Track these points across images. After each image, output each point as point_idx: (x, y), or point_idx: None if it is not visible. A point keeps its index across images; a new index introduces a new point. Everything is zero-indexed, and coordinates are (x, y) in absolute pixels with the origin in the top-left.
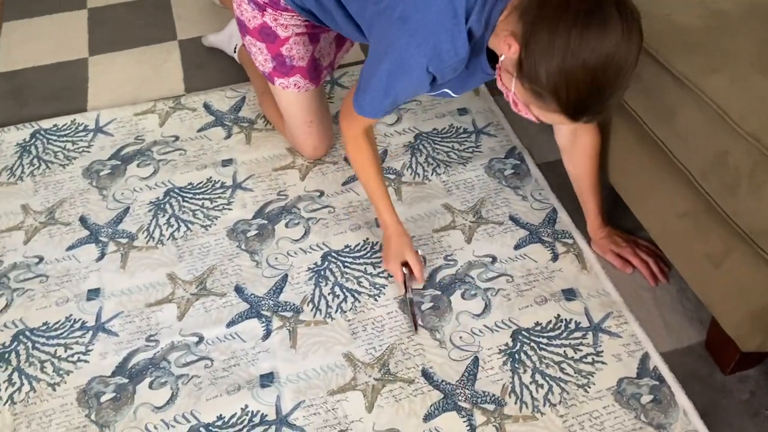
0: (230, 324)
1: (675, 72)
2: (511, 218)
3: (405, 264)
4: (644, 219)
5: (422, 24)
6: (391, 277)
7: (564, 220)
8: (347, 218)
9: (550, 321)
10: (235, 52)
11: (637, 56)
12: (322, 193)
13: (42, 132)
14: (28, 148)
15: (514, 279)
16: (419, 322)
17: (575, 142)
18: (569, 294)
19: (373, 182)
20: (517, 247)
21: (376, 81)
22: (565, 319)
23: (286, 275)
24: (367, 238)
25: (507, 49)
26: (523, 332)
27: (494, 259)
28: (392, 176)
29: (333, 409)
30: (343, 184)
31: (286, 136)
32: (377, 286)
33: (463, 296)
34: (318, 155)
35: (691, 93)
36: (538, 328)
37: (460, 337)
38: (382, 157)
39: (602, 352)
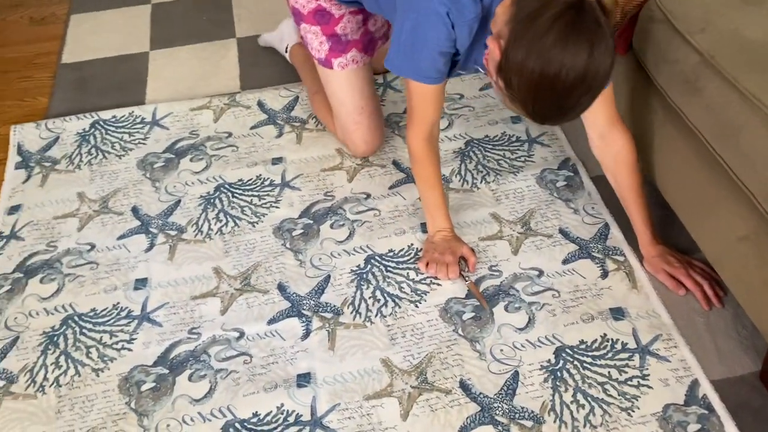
0: (271, 321)
1: (741, 88)
2: (561, 231)
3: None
4: (701, 240)
5: None
6: (434, 283)
7: (616, 236)
8: (392, 222)
9: (596, 340)
10: (286, 52)
11: (608, 75)
12: (368, 196)
13: (101, 122)
14: (87, 137)
15: (561, 294)
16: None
17: (606, 151)
18: (617, 313)
19: (431, 191)
20: (565, 261)
21: (405, 37)
22: (612, 339)
23: (329, 276)
24: (412, 244)
25: (493, 47)
26: (567, 350)
27: (541, 273)
28: None
29: (368, 415)
30: (390, 187)
31: (336, 134)
32: (419, 292)
33: (506, 309)
34: (369, 151)
35: (758, 111)
36: (583, 346)
37: (501, 350)
38: None
39: (649, 375)
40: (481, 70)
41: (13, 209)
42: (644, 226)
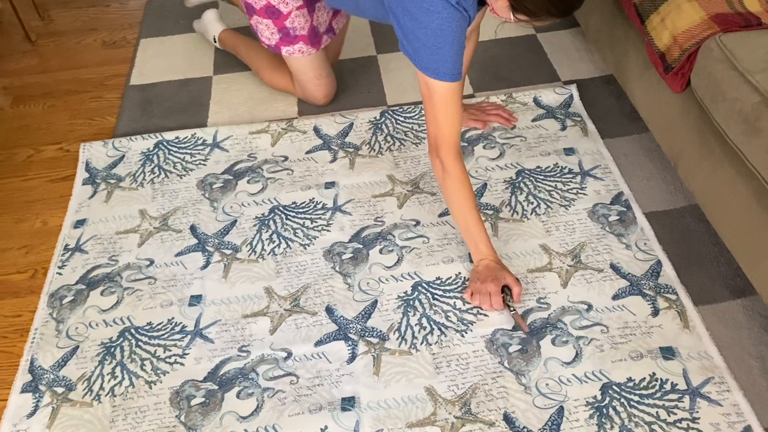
0: (318, 343)
1: None
2: (612, 266)
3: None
4: (756, 281)
5: None
6: (480, 313)
7: (669, 274)
8: (441, 250)
9: (644, 378)
10: (215, 42)
11: None
12: (417, 223)
13: (165, 143)
14: (151, 157)
15: (610, 330)
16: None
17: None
18: (668, 353)
19: (470, 217)
20: (615, 297)
21: (430, 41)
22: (661, 379)
23: (376, 301)
24: (459, 273)
25: None
26: (614, 387)
27: (590, 307)
28: (489, 211)
29: None
30: (440, 215)
31: (296, 92)
32: (465, 322)
33: (553, 342)
34: (329, 100)
35: None
36: (631, 384)
37: (547, 384)
38: (480, 191)
39: (699, 419)
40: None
41: (79, 223)
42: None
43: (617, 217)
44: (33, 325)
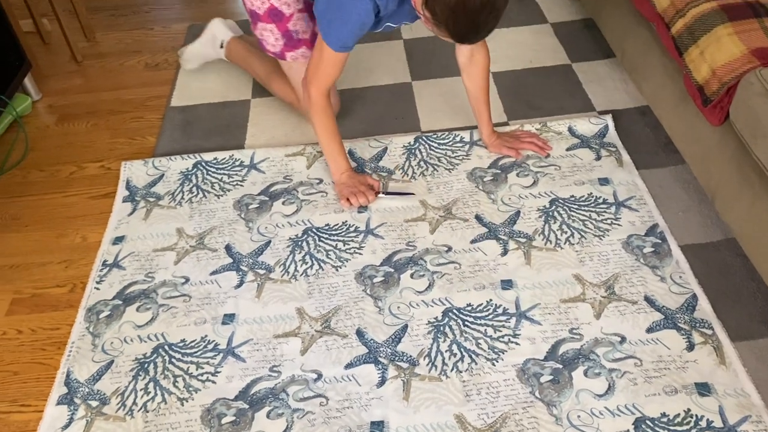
0: (348, 366)
1: None
2: (647, 299)
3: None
4: None
5: None
6: (513, 342)
7: (704, 308)
8: (472, 276)
9: (679, 414)
10: (221, 48)
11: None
12: (449, 249)
13: (203, 163)
14: (189, 176)
15: (643, 363)
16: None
17: (472, 60)
18: (703, 389)
19: (334, 141)
20: (649, 330)
21: (331, 13)
22: (696, 415)
23: (406, 326)
24: (491, 300)
25: None
26: (647, 421)
27: (623, 339)
28: (522, 239)
29: None
30: (472, 242)
31: (299, 107)
32: (496, 350)
33: (585, 373)
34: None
35: None
36: (665, 419)
37: (578, 416)
38: (513, 219)
39: None
40: (393, 26)
41: (118, 240)
42: (488, 120)
43: (652, 249)
44: (70, 338)
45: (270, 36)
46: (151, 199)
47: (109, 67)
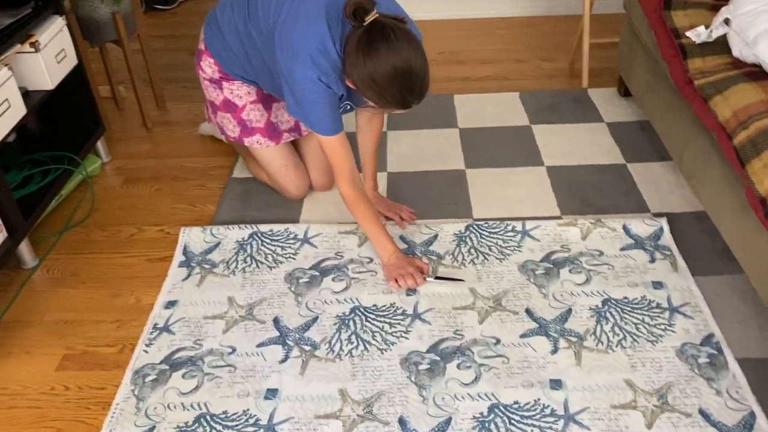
0: None
1: None
2: (701, 412)
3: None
4: None
5: (301, 48)
6: None
7: (763, 427)
8: (520, 373)
9: None
10: (222, 134)
11: (424, 65)
12: (498, 341)
13: (259, 234)
14: (245, 246)
15: None
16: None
17: (370, 123)
18: None
19: (373, 223)
20: None
21: (305, 106)
22: None
23: (451, 418)
24: (539, 399)
25: (350, 83)
26: None
27: None
28: (573, 338)
29: None
30: (522, 336)
31: (274, 185)
32: None
33: None
34: (301, 194)
35: None
36: None
37: None
38: (564, 317)
39: None
40: (352, 105)
41: (170, 304)
42: (372, 178)
43: (707, 360)
44: (115, 399)
45: (228, 123)
46: (207, 266)
47: (177, 135)
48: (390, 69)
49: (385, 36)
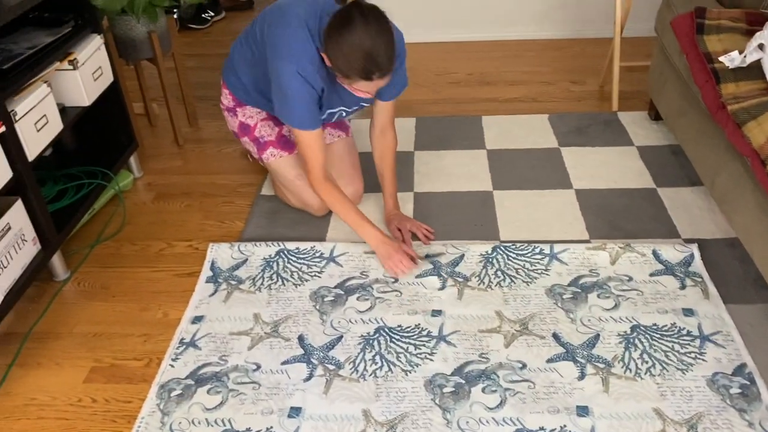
0: None
1: None
2: None
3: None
4: None
5: (283, 45)
6: None
7: None
8: (546, 398)
9: None
10: (250, 158)
11: (391, 41)
12: (524, 366)
13: (285, 251)
14: (271, 263)
15: None
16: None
17: (382, 140)
18: None
19: (351, 213)
20: None
21: (285, 101)
22: None
23: None
24: (565, 425)
25: (327, 60)
26: None
27: None
28: (601, 365)
29: None
30: (548, 361)
31: (295, 204)
32: None
33: None
34: (320, 204)
35: None
36: None
37: None
38: (592, 342)
39: None
40: (334, 111)
41: (197, 319)
42: (392, 197)
43: (739, 391)
44: (141, 413)
45: (249, 145)
46: (233, 282)
47: (208, 152)
48: (357, 39)
49: (361, 12)
